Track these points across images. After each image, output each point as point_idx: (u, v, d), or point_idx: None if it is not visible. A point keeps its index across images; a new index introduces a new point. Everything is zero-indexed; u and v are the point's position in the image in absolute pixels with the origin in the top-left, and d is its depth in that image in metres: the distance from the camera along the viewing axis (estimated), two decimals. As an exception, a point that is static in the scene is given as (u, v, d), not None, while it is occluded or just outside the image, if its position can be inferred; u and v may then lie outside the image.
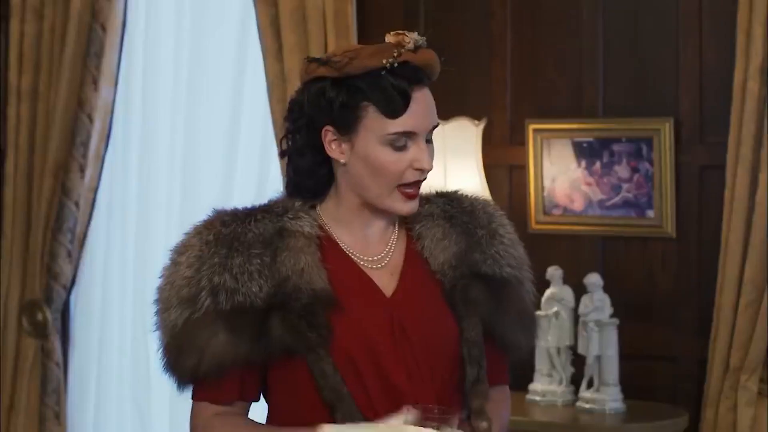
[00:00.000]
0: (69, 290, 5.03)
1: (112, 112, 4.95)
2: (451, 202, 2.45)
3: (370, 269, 2.35)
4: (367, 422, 2.24)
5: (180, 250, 2.32)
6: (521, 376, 4.30)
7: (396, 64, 2.27)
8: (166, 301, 2.30)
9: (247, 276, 2.25)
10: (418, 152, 2.29)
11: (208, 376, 2.27)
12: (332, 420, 2.25)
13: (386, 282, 2.34)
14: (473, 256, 2.38)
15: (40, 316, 5.01)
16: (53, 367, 5.03)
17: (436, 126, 2.34)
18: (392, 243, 2.39)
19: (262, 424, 2.35)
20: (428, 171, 2.31)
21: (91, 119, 4.91)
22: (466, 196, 2.48)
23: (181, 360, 2.27)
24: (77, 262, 5.00)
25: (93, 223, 4.99)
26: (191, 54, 4.87)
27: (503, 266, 2.40)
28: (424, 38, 2.30)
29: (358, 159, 2.30)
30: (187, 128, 4.88)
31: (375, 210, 2.35)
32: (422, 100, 2.30)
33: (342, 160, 2.31)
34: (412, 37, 2.29)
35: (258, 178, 4.73)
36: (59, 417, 5.03)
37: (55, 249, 4.95)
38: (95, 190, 4.97)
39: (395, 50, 2.27)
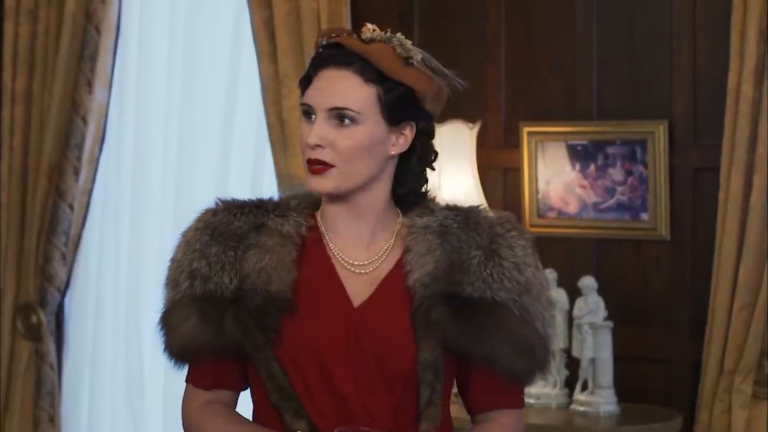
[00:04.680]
0: (63, 292, 5.03)
1: (106, 114, 4.95)
2: (455, 217, 2.36)
3: (350, 273, 2.33)
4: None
5: (181, 234, 2.38)
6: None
7: (324, 43, 2.31)
8: (164, 281, 2.38)
9: (219, 266, 2.30)
10: (311, 127, 2.28)
11: (181, 358, 2.34)
12: (281, 421, 2.28)
13: (360, 290, 2.32)
14: (454, 276, 2.29)
15: (34, 319, 5.01)
16: (47, 370, 5.02)
17: (340, 108, 2.27)
18: (384, 252, 2.35)
19: (247, 422, 2.37)
20: (310, 146, 2.27)
21: (85, 121, 4.90)
22: (478, 212, 2.37)
23: (166, 339, 2.35)
24: (71, 265, 4.99)
25: (87, 225, 4.99)
26: (185, 56, 4.87)
27: (495, 290, 2.28)
28: (391, 36, 2.30)
29: None
30: (181, 131, 4.88)
31: (342, 206, 2.33)
32: (328, 78, 2.29)
33: None
34: (373, 30, 2.31)
35: (252, 180, 4.73)
36: (53, 419, 5.03)
37: (50, 251, 4.94)
38: (89, 193, 4.96)
39: (335, 33, 2.30)
